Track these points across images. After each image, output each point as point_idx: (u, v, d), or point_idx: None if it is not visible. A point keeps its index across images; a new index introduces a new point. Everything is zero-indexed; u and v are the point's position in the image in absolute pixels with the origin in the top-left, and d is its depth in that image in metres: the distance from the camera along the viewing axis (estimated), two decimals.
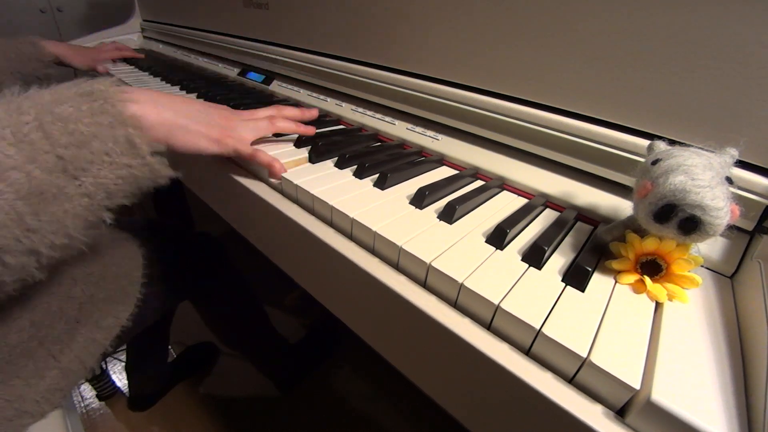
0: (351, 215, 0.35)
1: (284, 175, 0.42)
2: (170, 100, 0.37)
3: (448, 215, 0.36)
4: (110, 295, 0.49)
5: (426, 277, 0.31)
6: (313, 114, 0.54)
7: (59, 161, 0.28)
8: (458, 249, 0.32)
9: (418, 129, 0.55)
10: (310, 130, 0.51)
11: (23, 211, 0.26)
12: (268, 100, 0.73)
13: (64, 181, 0.28)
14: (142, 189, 0.33)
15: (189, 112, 0.38)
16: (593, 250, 0.33)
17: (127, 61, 1.04)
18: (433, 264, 0.30)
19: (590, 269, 0.29)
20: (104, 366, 1.01)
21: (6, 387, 0.39)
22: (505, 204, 0.41)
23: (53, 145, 0.27)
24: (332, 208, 0.37)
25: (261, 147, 0.49)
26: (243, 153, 0.42)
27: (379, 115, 0.59)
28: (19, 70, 0.78)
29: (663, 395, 0.21)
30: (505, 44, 0.44)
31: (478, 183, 0.46)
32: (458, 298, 0.29)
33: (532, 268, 0.31)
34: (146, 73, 0.91)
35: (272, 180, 0.45)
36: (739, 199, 0.27)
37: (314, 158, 0.48)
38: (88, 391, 0.97)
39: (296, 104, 0.72)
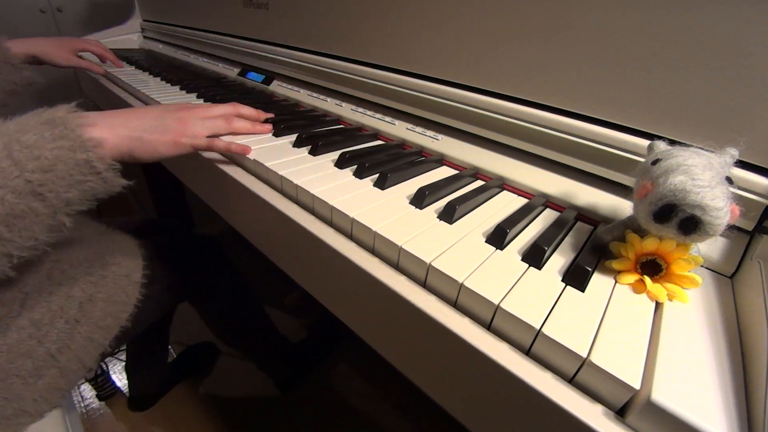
0: (351, 215, 0.35)
1: (283, 173, 0.42)
2: (124, 118, 0.41)
3: (448, 215, 0.36)
4: (110, 295, 0.49)
5: (426, 277, 0.31)
6: (269, 116, 0.57)
7: (28, 184, 0.31)
8: (458, 249, 0.32)
9: (418, 129, 0.55)
10: (266, 129, 0.54)
11: None
12: (268, 99, 0.73)
13: (32, 200, 0.31)
14: (97, 197, 0.37)
15: (142, 124, 0.41)
16: (593, 250, 0.33)
17: (128, 60, 1.03)
18: (433, 264, 0.30)
19: (590, 269, 0.29)
20: (104, 366, 1.00)
21: (5, 385, 0.39)
22: (505, 204, 0.41)
23: (21, 170, 0.31)
24: (332, 208, 0.37)
25: (256, 147, 0.49)
26: (200, 146, 0.45)
27: (379, 115, 0.59)
28: None
29: (663, 395, 0.21)
30: (505, 44, 0.44)
31: (478, 183, 0.46)
32: (458, 298, 0.29)
33: (532, 268, 0.31)
34: (146, 73, 0.91)
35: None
36: (739, 199, 0.27)
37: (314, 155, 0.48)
38: (88, 391, 0.97)
39: (295, 104, 0.72)
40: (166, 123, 0.44)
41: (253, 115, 0.54)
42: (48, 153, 0.32)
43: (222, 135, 0.49)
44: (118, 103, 0.78)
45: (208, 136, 0.46)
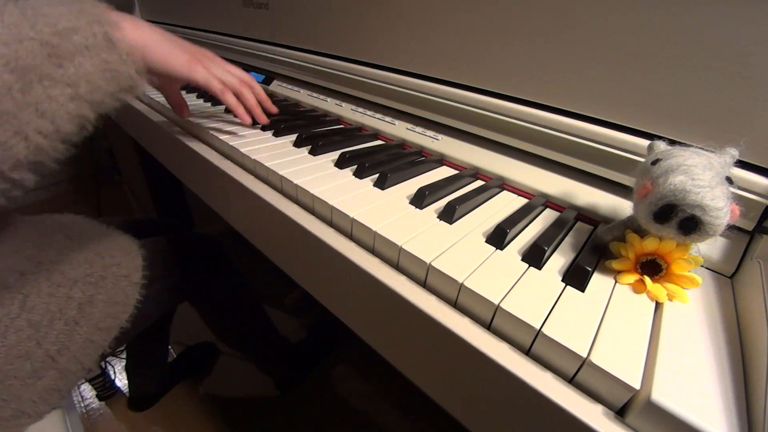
0: (351, 215, 0.35)
1: (283, 173, 0.42)
2: (149, 25, 0.41)
3: (448, 215, 0.36)
4: (109, 296, 0.49)
5: (426, 277, 0.31)
6: (274, 109, 0.58)
7: (43, 47, 0.30)
8: (458, 249, 0.32)
9: (418, 129, 0.55)
10: (264, 119, 0.55)
11: (11, 81, 0.29)
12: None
13: (47, 64, 0.30)
14: (120, 89, 0.35)
15: (165, 37, 0.41)
16: (593, 250, 0.33)
17: None
18: (433, 264, 0.30)
19: (590, 269, 0.29)
20: (104, 366, 1.00)
21: (3, 387, 0.39)
22: (505, 204, 0.41)
23: (37, 33, 0.30)
24: (332, 208, 0.37)
25: (256, 147, 0.49)
26: (213, 86, 0.46)
27: (379, 115, 0.59)
28: None
29: (663, 395, 0.21)
30: (505, 44, 0.44)
31: (478, 183, 0.46)
32: (458, 298, 0.29)
33: (532, 268, 0.31)
34: None
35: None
36: (739, 199, 0.27)
37: (314, 154, 0.48)
38: (88, 391, 0.97)
39: (295, 104, 0.72)
40: (188, 48, 0.45)
41: (263, 97, 0.56)
42: (65, 23, 0.32)
43: (232, 87, 0.50)
44: None
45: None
